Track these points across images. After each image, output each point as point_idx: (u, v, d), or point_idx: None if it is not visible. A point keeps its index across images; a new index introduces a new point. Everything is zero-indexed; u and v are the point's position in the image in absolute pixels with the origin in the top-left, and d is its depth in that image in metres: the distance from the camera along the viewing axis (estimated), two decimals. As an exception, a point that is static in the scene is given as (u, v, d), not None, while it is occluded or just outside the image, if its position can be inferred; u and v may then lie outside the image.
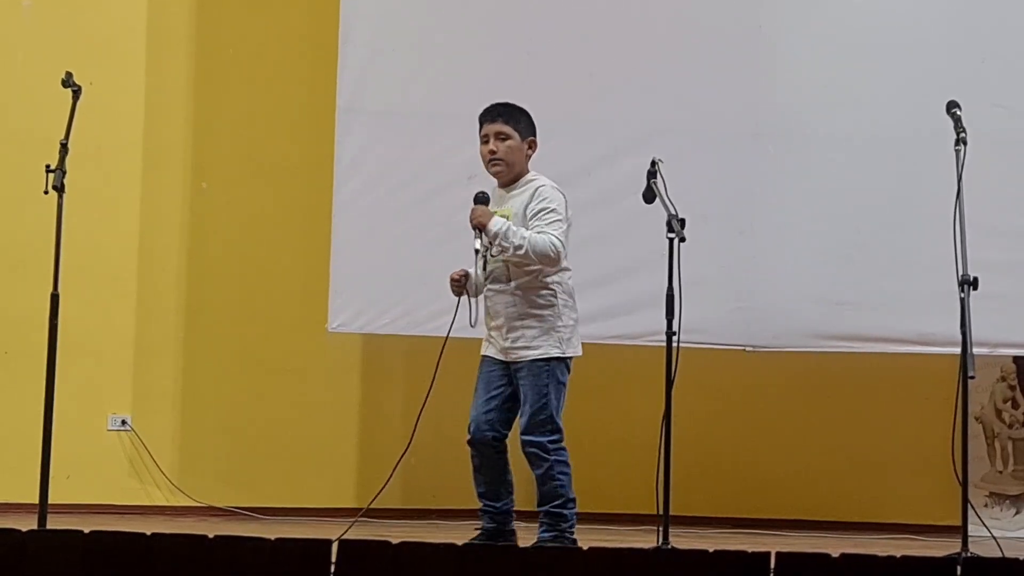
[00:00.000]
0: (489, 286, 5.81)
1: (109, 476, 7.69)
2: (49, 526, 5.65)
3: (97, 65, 7.48)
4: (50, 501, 5.88)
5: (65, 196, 5.94)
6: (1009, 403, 7.91)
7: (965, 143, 5.99)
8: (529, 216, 5.76)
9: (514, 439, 5.86)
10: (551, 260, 5.73)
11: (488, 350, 5.85)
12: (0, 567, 3.70)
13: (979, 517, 6.31)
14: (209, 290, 7.89)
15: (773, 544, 6.59)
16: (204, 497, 7.72)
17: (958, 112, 6.11)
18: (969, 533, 5.78)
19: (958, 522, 5.86)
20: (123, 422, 7.76)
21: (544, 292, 5.79)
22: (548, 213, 5.76)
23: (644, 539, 6.05)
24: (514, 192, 5.87)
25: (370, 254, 7.43)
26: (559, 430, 5.76)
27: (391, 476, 6.12)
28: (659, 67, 7.48)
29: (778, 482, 7.92)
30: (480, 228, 5.68)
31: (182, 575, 3.69)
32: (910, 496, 7.80)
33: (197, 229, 7.91)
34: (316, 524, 7.41)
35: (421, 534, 6.47)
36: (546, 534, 5.73)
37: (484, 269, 5.78)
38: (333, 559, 3.73)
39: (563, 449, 5.77)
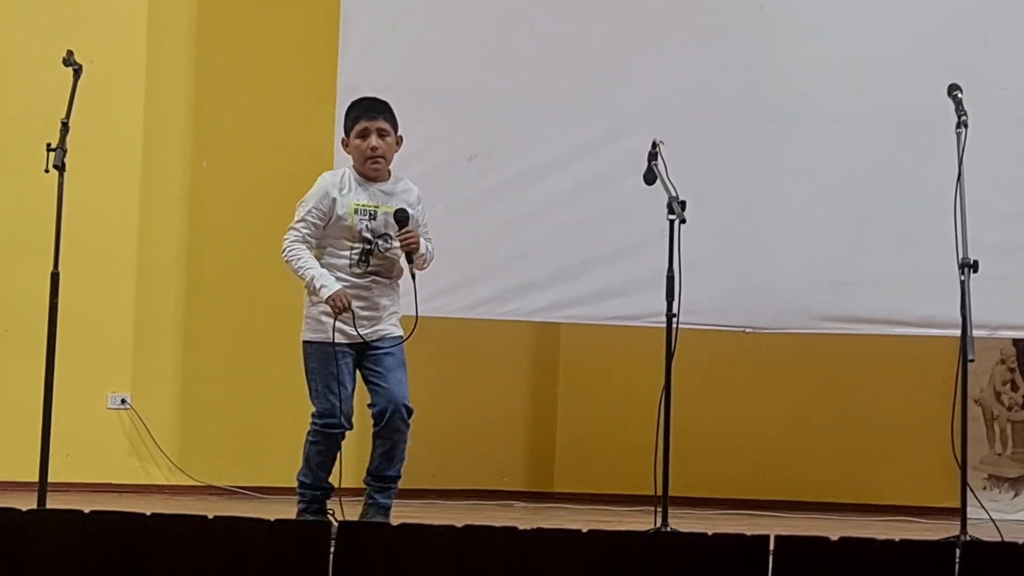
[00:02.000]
0: (375, 278, 5.73)
1: (109, 455, 7.71)
2: (48, 505, 5.65)
3: (98, 44, 7.46)
4: (49, 480, 5.88)
5: (66, 175, 5.93)
6: (1008, 385, 7.92)
7: (966, 126, 5.99)
8: (420, 222, 5.80)
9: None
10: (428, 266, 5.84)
11: (343, 337, 5.72)
12: (0, 546, 3.70)
13: (978, 500, 6.32)
14: (209, 269, 7.89)
15: (772, 526, 6.60)
16: (204, 476, 7.73)
17: (959, 95, 6.10)
18: (968, 516, 5.79)
19: (957, 504, 5.87)
20: (123, 401, 7.76)
21: (397, 281, 5.84)
22: (427, 220, 5.87)
23: (643, 520, 6.06)
24: (388, 188, 5.82)
25: (370, 234, 7.42)
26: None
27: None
28: (660, 47, 7.47)
29: (777, 464, 7.93)
30: (414, 252, 5.67)
31: (182, 555, 3.70)
32: (909, 478, 7.81)
33: (197, 208, 7.91)
34: (315, 503, 7.41)
35: (419, 515, 6.48)
36: (385, 497, 5.87)
37: (366, 263, 5.72)
38: (333, 540, 3.74)
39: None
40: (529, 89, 7.42)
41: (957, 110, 6.04)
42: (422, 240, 5.74)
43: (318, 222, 5.75)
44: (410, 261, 5.67)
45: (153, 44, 7.86)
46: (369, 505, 5.84)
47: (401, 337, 5.78)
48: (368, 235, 5.72)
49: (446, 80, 7.37)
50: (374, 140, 5.77)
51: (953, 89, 6.13)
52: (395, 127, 5.85)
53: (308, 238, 5.77)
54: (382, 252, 5.72)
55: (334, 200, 5.75)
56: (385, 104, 5.91)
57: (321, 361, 5.73)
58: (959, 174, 5.88)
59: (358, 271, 5.71)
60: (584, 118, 7.43)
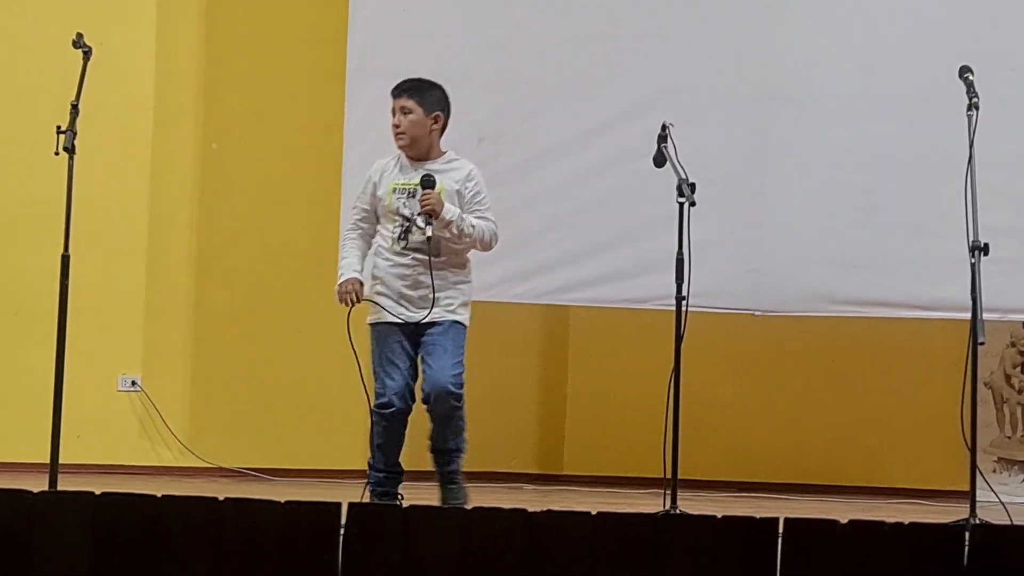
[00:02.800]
0: (413, 256, 5.80)
1: (119, 437, 7.72)
2: (60, 486, 5.67)
3: (107, 26, 7.46)
4: (61, 461, 5.90)
5: (76, 157, 5.94)
6: (1018, 368, 7.91)
7: (977, 108, 5.97)
8: (467, 199, 5.85)
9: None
10: (490, 249, 5.92)
11: (392, 316, 5.82)
12: (11, 528, 3.71)
13: (987, 483, 6.32)
14: (219, 251, 7.90)
15: (780, 509, 6.60)
16: (214, 458, 7.75)
17: (970, 77, 6.09)
18: (977, 499, 5.79)
19: (966, 487, 5.86)
20: (133, 383, 7.78)
21: (462, 270, 5.90)
22: (483, 199, 5.90)
23: (652, 503, 6.07)
24: (435, 167, 5.87)
25: (380, 216, 7.42)
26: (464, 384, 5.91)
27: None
28: (670, 29, 7.46)
29: (786, 446, 7.93)
30: (433, 215, 5.71)
31: (192, 537, 3.71)
32: (919, 461, 7.81)
33: (207, 190, 7.91)
34: (326, 486, 7.43)
35: (429, 497, 6.49)
36: (457, 480, 5.92)
37: (405, 240, 5.80)
38: (343, 522, 3.75)
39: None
40: (539, 72, 7.41)
41: (968, 92, 6.02)
42: (454, 210, 5.74)
43: (366, 207, 5.96)
44: (428, 223, 5.71)
45: (163, 26, 7.86)
46: (438, 475, 5.92)
47: (453, 323, 5.81)
48: (406, 212, 5.81)
49: (455, 62, 7.35)
50: (395, 118, 5.91)
51: (964, 71, 6.11)
52: (426, 104, 5.90)
53: (360, 224, 5.97)
54: (421, 228, 5.76)
55: (374, 184, 5.94)
56: (415, 81, 6.00)
57: (376, 341, 5.90)
58: (970, 156, 5.86)
59: (398, 248, 5.82)
60: (594, 100, 7.41)
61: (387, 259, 5.85)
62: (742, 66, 7.39)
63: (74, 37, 6.11)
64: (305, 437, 7.89)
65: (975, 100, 5.99)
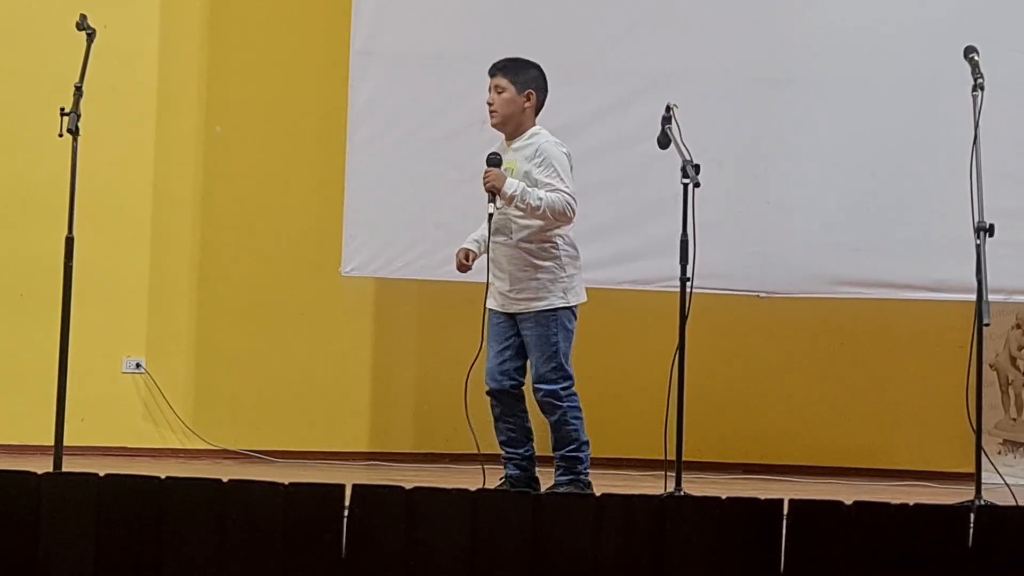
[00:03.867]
0: (493, 239, 5.84)
1: (123, 419, 7.73)
2: (64, 468, 5.68)
3: (111, 8, 7.45)
4: (65, 443, 5.91)
5: (79, 139, 5.94)
6: None
7: (982, 89, 5.96)
8: (536, 174, 5.83)
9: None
10: (567, 218, 5.86)
11: (492, 303, 5.94)
12: (15, 509, 3.72)
13: (992, 465, 6.31)
14: (223, 233, 7.89)
15: (785, 491, 6.60)
16: (218, 440, 7.75)
17: (975, 57, 6.07)
18: (983, 480, 5.79)
19: (971, 469, 5.87)
20: (137, 365, 7.78)
21: (546, 244, 5.88)
22: (554, 172, 5.85)
23: (656, 484, 6.07)
24: (517, 145, 5.91)
25: (384, 198, 7.42)
26: (570, 376, 5.87)
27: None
28: (675, 11, 7.45)
29: (791, 428, 7.93)
30: (495, 192, 5.70)
31: (196, 518, 3.71)
32: (924, 443, 7.81)
33: (211, 172, 7.91)
34: (329, 468, 7.44)
35: (433, 479, 6.50)
36: (563, 477, 5.87)
37: (490, 222, 5.85)
38: (347, 503, 3.75)
39: (575, 395, 5.90)
40: (543, 53, 7.34)
41: (973, 73, 6.01)
42: (516, 184, 5.74)
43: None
44: (491, 200, 5.75)
45: (166, 8, 7.84)
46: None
47: (539, 313, 5.82)
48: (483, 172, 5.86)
49: (459, 44, 7.35)
50: (488, 96, 5.95)
51: (969, 51, 6.10)
52: (517, 83, 5.94)
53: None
54: (499, 209, 5.80)
55: None
56: (509, 60, 6.05)
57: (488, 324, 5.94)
58: (975, 137, 5.85)
59: (488, 231, 5.85)
60: (599, 82, 7.40)
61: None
62: (747, 48, 7.37)
63: (78, 19, 6.11)
64: (309, 419, 7.89)
65: (980, 81, 5.98)
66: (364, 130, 7.40)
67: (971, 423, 5.84)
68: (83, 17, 6.11)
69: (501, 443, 5.95)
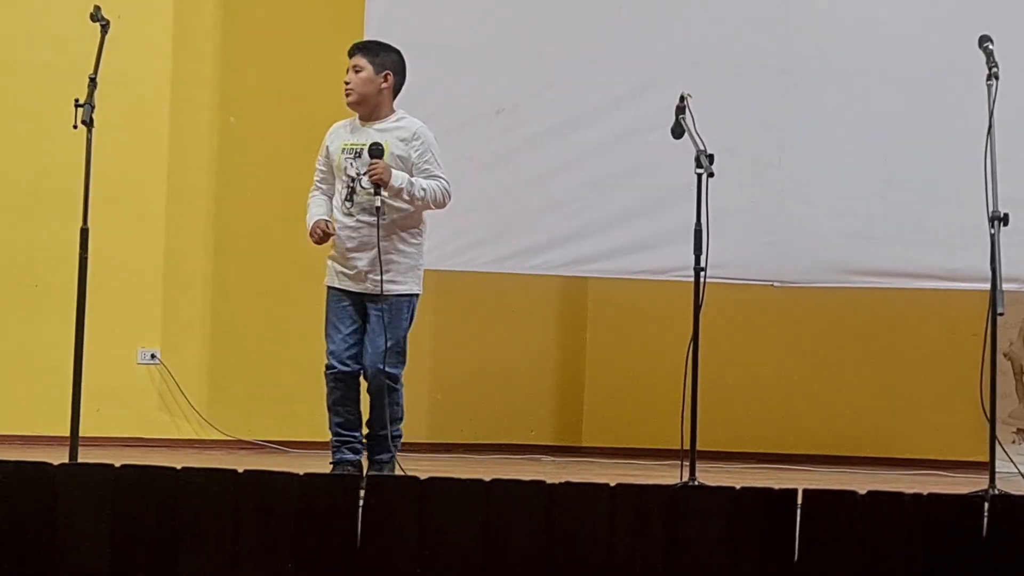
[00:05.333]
0: (359, 218, 5.82)
1: (139, 409, 7.74)
2: (80, 459, 5.69)
3: (125, -1, 7.45)
4: (81, 434, 5.93)
5: (94, 130, 5.95)
6: (1038, 339, 7.89)
7: (997, 78, 5.94)
8: (414, 160, 5.84)
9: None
10: (445, 205, 5.90)
11: (339, 281, 5.90)
12: (32, 500, 3.73)
13: (1006, 453, 6.30)
14: (237, 224, 7.90)
15: (799, 480, 6.61)
16: (233, 430, 7.77)
17: (990, 46, 6.06)
18: (997, 469, 5.78)
19: (985, 458, 5.86)
20: (152, 356, 7.79)
21: (415, 229, 5.89)
22: (432, 158, 5.88)
23: (670, 474, 6.07)
24: (381, 127, 5.90)
25: (398, 188, 7.41)
26: (405, 362, 5.93)
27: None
28: (689, 1, 7.43)
29: (805, 418, 7.93)
30: (381, 184, 5.73)
31: (212, 509, 3.72)
32: (937, 432, 7.80)
33: (225, 163, 7.92)
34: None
35: (448, 468, 6.50)
36: (386, 455, 5.89)
37: (351, 201, 5.84)
38: (361, 494, 3.76)
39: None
40: (556, 44, 7.38)
41: (988, 62, 5.99)
42: (402, 177, 5.74)
43: (323, 168, 6.01)
44: (376, 194, 5.73)
45: (180, -1, 7.86)
46: (370, 461, 5.91)
47: (397, 297, 5.82)
48: (352, 173, 5.84)
49: (473, 34, 7.34)
50: (347, 75, 5.96)
51: (984, 41, 6.08)
52: (375, 63, 5.93)
53: (319, 185, 6.01)
54: (365, 189, 5.79)
55: (327, 147, 6.00)
56: (368, 42, 6.12)
57: (328, 304, 5.94)
58: (989, 126, 5.84)
59: (345, 209, 5.85)
60: (612, 72, 7.40)
61: (337, 220, 5.87)
62: (760, 37, 7.36)
63: (92, 10, 6.11)
64: (323, 409, 7.88)
65: (995, 70, 5.96)
66: (377, 120, 7.40)
67: (985, 412, 5.83)
68: (97, 8, 6.11)
69: (339, 426, 5.93)
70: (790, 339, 8.00)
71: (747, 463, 7.63)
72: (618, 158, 7.33)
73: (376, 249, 5.74)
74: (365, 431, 5.94)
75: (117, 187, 7.47)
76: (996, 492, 5.57)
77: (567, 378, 8.25)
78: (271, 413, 7.85)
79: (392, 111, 5.95)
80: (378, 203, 5.74)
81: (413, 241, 5.89)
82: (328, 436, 7.30)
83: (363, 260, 5.83)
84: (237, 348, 7.88)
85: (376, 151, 5.78)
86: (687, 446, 5.86)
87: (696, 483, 5.71)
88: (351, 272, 5.86)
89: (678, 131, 6.03)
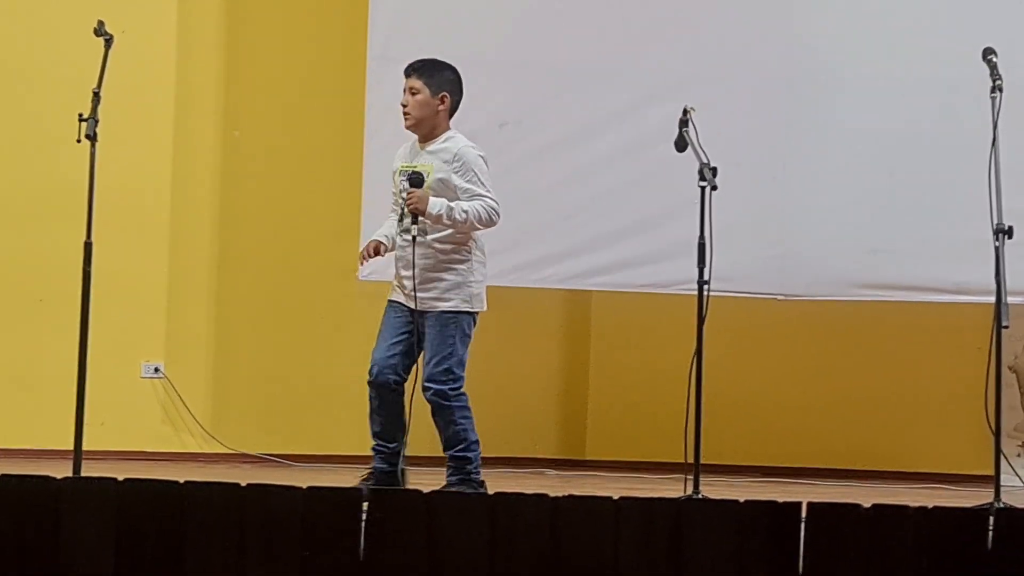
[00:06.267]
0: (405, 237, 5.88)
1: (142, 423, 7.74)
2: (83, 473, 5.69)
3: (129, 14, 7.46)
4: (84, 448, 5.92)
5: (98, 145, 5.95)
6: (1043, 352, 7.88)
7: (1001, 90, 5.95)
8: (455, 183, 5.86)
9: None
10: (493, 224, 5.91)
11: (396, 296, 5.96)
12: (35, 514, 3.73)
13: (1012, 467, 6.32)
14: (241, 238, 7.91)
15: (803, 493, 6.60)
16: (237, 444, 7.76)
17: (994, 59, 6.06)
18: (1002, 483, 5.78)
19: (990, 472, 5.85)
20: (156, 369, 7.79)
21: (459, 247, 5.91)
22: (475, 178, 5.88)
23: (674, 488, 6.07)
24: (432, 148, 5.94)
25: (401, 202, 7.42)
26: (460, 378, 5.90)
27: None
28: (692, 14, 7.44)
29: (809, 431, 7.92)
30: (419, 214, 5.76)
31: (215, 522, 3.72)
32: (942, 445, 7.79)
33: (229, 177, 7.92)
34: (348, 471, 7.44)
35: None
36: (453, 476, 5.89)
37: (401, 222, 5.89)
38: (365, 507, 3.75)
39: (464, 395, 5.92)
40: (560, 57, 7.39)
41: (992, 74, 6.00)
42: (440, 204, 5.76)
43: (394, 190, 6.02)
44: (414, 222, 5.77)
45: (184, 14, 7.86)
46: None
47: (441, 313, 5.84)
48: (404, 196, 5.87)
49: (477, 48, 7.35)
50: (404, 97, 5.96)
51: (988, 53, 6.09)
52: (431, 84, 5.95)
53: (393, 206, 6.04)
54: (407, 216, 5.84)
55: (393, 168, 6.03)
56: (423, 62, 6.07)
57: (383, 316, 5.99)
58: (994, 139, 5.84)
59: (399, 230, 5.89)
60: (616, 85, 7.40)
61: (396, 239, 5.94)
62: (764, 51, 7.36)
63: (96, 25, 6.12)
64: (327, 423, 7.90)
65: (999, 83, 5.97)
66: (382, 134, 7.40)
67: (990, 425, 5.83)
68: (101, 23, 6.12)
69: (374, 434, 5.98)
70: (794, 353, 7.99)
71: (751, 476, 7.62)
72: (622, 171, 7.33)
73: (425, 269, 5.82)
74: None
75: (121, 201, 7.47)
76: (1001, 506, 5.56)
77: (571, 391, 8.25)
78: (275, 427, 7.85)
79: (446, 129, 5.97)
80: (414, 232, 5.78)
81: (459, 259, 5.89)
82: (331, 451, 7.33)
83: (410, 278, 5.87)
84: (241, 362, 7.88)
85: (415, 180, 5.82)
86: (691, 459, 5.86)
87: (700, 496, 5.71)
88: (405, 290, 5.91)
89: (682, 144, 6.04)
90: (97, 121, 5.91)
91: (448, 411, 5.85)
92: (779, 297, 7.39)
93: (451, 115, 6.01)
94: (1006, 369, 7.38)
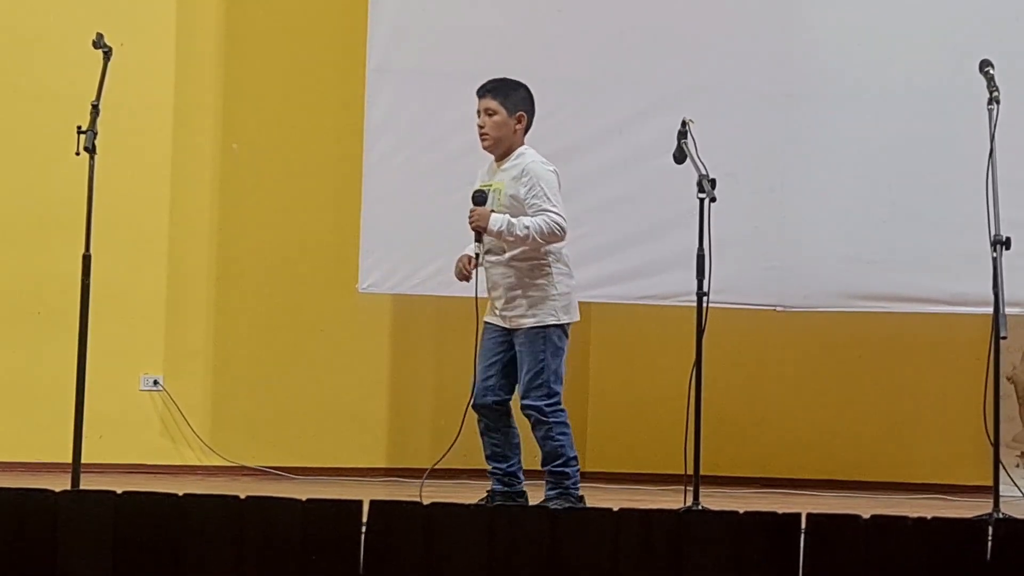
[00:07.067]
0: (487, 258, 5.93)
1: (141, 436, 7.74)
2: (82, 486, 5.69)
3: (128, 26, 7.47)
4: (83, 461, 5.92)
5: (96, 157, 5.96)
6: (1041, 363, 7.88)
7: (998, 102, 5.96)
8: (523, 198, 5.89)
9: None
10: (558, 238, 5.91)
11: (490, 317, 6.01)
12: (33, 527, 3.73)
13: (1011, 477, 6.31)
14: (240, 250, 7.91)
15: (803, 504, 6.60)
16: (236, 457, 7.76)
17: (991, 71, 6.07)
18: (1001, 493, 5.78)
19: (989, 482, 5.85)
20: (155, 382, 7.79)
21: (538, 262, 5.92)
22: (541, 192, 5.89)
23: (674, 499, 6.06)
24: (506, 166, 5.99)
25: (400, 214, 7.43)
26: (556, 393, 5.90)
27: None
28: (690, 26, 7.45)
29: (808, 442, 7.92)
30: (481, 231, 5.80)
31: (214, 535, 3.72)
32: (941, 456, 7.79)
33: (228, 190, 7.92)
34: (347, 484, 7.44)
35: (451, 494, 6.49)
36: (551, 491, 5.90)
37: (481, 241, 5.93)
38: (364, 519, 3.75)
39: (561, 411, 5.92)
40: (559, 69, 7.39)
41: (989, 86, 6.01)
42: (501, 219, 5.79)
43: None
44: (478, 240, 5.84)
45: (183, 26, 7.87)
46: None
47: (529, 329, 5.86)
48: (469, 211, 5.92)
49: (475, 60, 7.35)
50: (480, 119, 5.98)
51: (985, 65, 6.10)
52: (507, 105, 5.97)
53: None
54: (485, 247, 5.90)
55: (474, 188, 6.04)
56: (498, 81, 6.08)
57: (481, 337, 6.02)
58: (991, 150, 5.85)
59: (479, 250, 5.91)
60: (613, 98, 7.41)
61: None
62: (762, 63, 7.37)
63: (94, 37, 6.13)
64: (326, 436, 7.89)
65: (996, 94, 5.98)
66: (380, 147, 7.42)
67: (989, 436, 5.83)
68: (100, 35, 6.13)
69: (487, 457, 6.02)
70: (793, 364, 8.00)
71: (751, 488, 7.62)
72: (620, 183, 7.34)
73: (509, 288, 5.85)
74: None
75: (120, 213, 7.48)
76: (1000, 516, 5.56)
77: (570, 403, 8.17)
78: (275, 439, 7.84)
79: (520, 146, 6.00)
80: (478, 250, 5.85)
81: (539, 273, 5.90)
82: (331, 463, 7.31)
83: (499, 298, 5.93)
84: (240, 374, 7.87)
85: (478, 198, 5.87)
86: (690, 471, 5.85)
87: (700, 508, 5.71)
88: (496, 310, 5.96)
89: (680, 156, 6.05)
90: (96, 133, 5.92)
91: (546, 427, 5.86)
92: (778, 308, 7.40)
93: (526, 132, 6.03)
94: (1004, 380, 7.38)
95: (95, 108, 5.96)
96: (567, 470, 5.88)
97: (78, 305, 5.96)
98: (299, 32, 7.96)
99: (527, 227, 5.82)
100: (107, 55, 6.08)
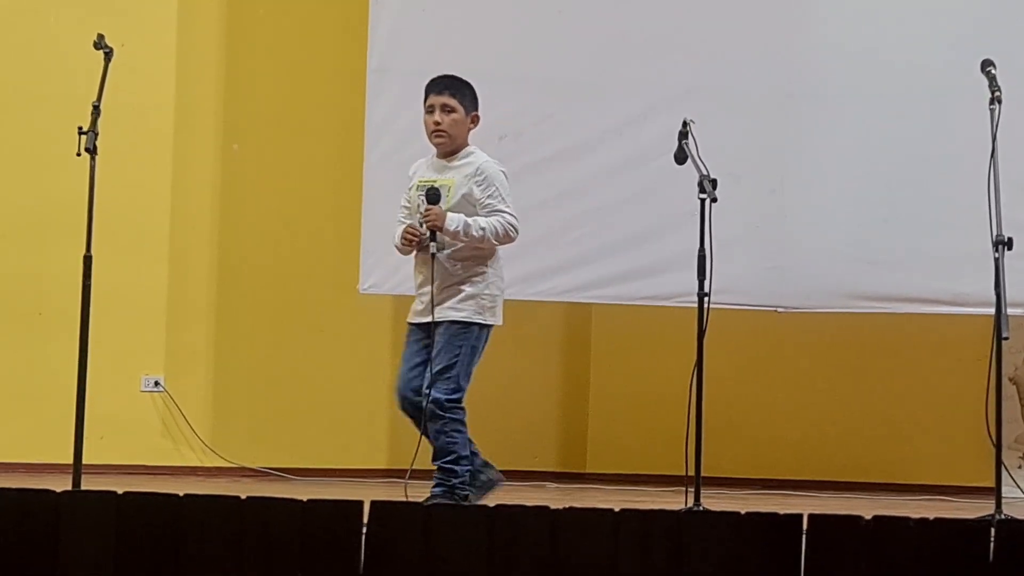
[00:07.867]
0: (421, 253, 5.89)
1: (142, 437, 7.74)
2: (83, 487, 5.68)
3: (129, 27, 7.48)
4: (84, 462, 5.92)
5: (97, 158, 5.96)
6: (1043, 364, 7.88)
7: (1000, 102, 5.96)
8: (478, 198, 5.86)
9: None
10: (511, 240, 5.91)
11: (413, 318, 5.95)
12: (34, 528, 3.72)
13: (1013, 479, 6.30)
14: (241, 252, 7.91)
15: (804, 505, 6.59)
16: (236, 458, 7.76)
17: (993, 71, 6.07)
18: (1003, 494, 5.77)
19: (991, 484, 5.85)
20: (156, 383, 7.79)
21: (477, 262, 5.90)
22: (496, 193, 5.88)
23: (675, 500, 6.06)
24: (455, 164, 5.94)
25: (401, 215, 7.42)
26: (460, 389, 5.84)
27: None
28: (691, 27, 7.45)
29: (810, 443, 7.92)
30: (437, 230, 5.76)
31: (215, 536, 3.71)
32: (943, 457, 7.79)
33: (229, 191, 7.93)
34: (348, 485, 7.44)
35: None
36: (437, 488, 5.83)
37: (436, 240, 5.88)
38: (365, 520, 3.75)
39: (461, 409, 5.87)
40: (559, 70, 7.40)
41: (991, 86, 6.01)
42: (457, 220, 5.76)
43: (407, 204, 5.98)
44: (432, 239, 5.77)
45: (184, 27, 7.87)
46: None
47: (451, 323, 5.82)
48: (422, 210, 5.87)
49: (476, 61, 7.34)
50: (437, 115, 5.91)
51: (986, 65, 6.10)
52: (465, 104, 5.93)
53: (402, 220, 5.98)
54: (424, 233, 5.83)
55: (410, 181, 5.99)
56: (454, 79, 6.03)
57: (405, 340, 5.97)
58: (993, 151, 5.85)
59: (434, 249, 5.83)
60: (615, 99, 7.41)
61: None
62: (763, 64, 7.37)
63: (95, 38, 6.13)
64: (327, 437, 7.90)
65: (997, 94, 5.98)
66: (381, 147, 7.42)
67: (990, 437, 5.82)
68: (100, 36, 6.13)
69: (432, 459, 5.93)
70: (794, 365, 7.99)
71: (752, 489, 7.61)
72: (621, 184, 7.34)
73: (443, 283, 5.80)
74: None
75: (120, 214, 7.48)
76: (1002, 517, 5.56)
77: (571, 404, 8.25)
78: (275, 440, 7.84)
79: (466, 145, 5.98)
80: (433, 249, 5.78)
81: (476, 272, 5.88)
82: (332, 464, 7.32)
83: (425, 294, 5.87)
84: (241, 375, 7.88)
85: (433, 196, 5.81)
86: (692, 472, 5.85)
87: (701, 508, 5.70)
88: (420, 307, 5.89)
89: (681, 157, 6.05)
90: (97, 134, 5.92)
91: (442, 421, 5.80)
92: (779, 309, 7.40)
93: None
94: (1006, 380, 7.38)
95: (96, 109, 5.97)
96: (456, 468, 5.83)
97: (79, 306, 5.96)
98: (299, 33, 7.96)
99: (483, 228, 5.81)
100: (108, 56, 6.08)
